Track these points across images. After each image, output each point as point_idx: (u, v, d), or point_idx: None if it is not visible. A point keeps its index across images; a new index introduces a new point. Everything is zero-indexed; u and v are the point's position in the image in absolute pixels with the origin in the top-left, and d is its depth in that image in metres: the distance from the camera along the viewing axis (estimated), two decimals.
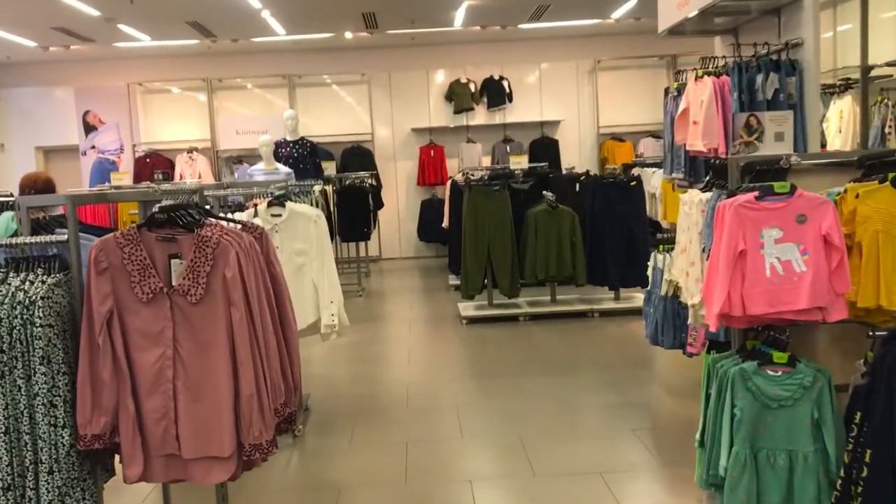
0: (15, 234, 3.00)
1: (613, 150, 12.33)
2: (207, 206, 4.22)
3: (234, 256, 2.68)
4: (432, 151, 12.30)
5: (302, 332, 4.76)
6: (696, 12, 5.10)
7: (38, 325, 2.56)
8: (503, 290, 7.69)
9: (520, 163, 9.48)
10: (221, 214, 3.56)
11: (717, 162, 3.54)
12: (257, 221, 3.61)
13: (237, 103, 12.51)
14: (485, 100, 12.43)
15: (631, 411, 5.07)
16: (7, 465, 2.58)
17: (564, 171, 9.44)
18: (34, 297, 2.57)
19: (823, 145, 6.45)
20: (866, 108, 6.64)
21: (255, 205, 4.45)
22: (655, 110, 12.64)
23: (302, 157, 8.37)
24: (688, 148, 5.03)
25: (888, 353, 2.56)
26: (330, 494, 4.03)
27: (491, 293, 7.94)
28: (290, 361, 3.07)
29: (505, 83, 12.35)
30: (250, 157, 11.32)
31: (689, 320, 3.51)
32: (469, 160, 12.14)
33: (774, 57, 4.39)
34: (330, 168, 9.42)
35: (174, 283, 2.69)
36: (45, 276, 2.67)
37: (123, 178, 9.20)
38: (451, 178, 10.67)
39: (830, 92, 6.91)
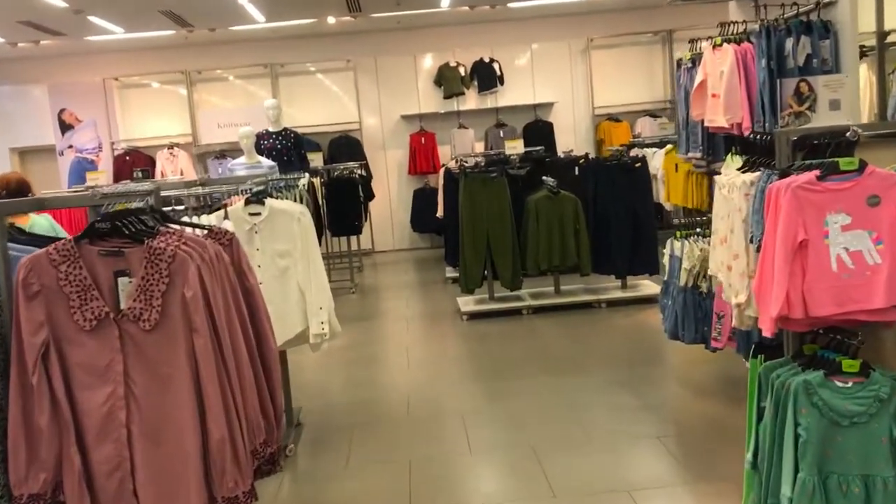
0: None
1: (610, 131, 11.83)
2: (177, 208, 3.73)
3: (194, 271, 2.18)
4: (423, 139, 11.78)
5: (289, 342, 4.29)
6: None
7: None
8: (504, 283, 7.21)
9: (515, 147, 8.98)
10: (185, 219, 3.05)
11: (758, 139, 3.04)
12: (227, 225, 3.12)
13: (218, 96, 11.95)
14: (475, 83, 11.90)
15: (652, 415, 4.61)
16: None
17: (562, 155, 8.96)
18: None
19: None
20: (883, 77, 6.17)
21: (226, 205, 3.94)
22: (652, 88, 12.20)
23: (286, 148, 7.84)
24: (707, 124, 4.54)
25: None
26: None
27: (492, 286, 7.45)
28: (270, 391, 2.58)
29: (496, 65, 11.82)
30: (233, 151, 10.76)
31: (734, 321, 3.03)
32: (462, 146, 11.62)
33: (804, 18, 3.90)
34: (317, 159, 8.90)
35: (122, 306, 2.19)
36: None
37: (100, 178, 8.68)
38: (443, 165, 10.17)
39: None
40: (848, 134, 2.44)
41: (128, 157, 11.46)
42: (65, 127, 11.76)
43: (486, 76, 11.82)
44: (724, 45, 4.35)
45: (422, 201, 11.58)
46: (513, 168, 7.90)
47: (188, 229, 2.57)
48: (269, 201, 4.18)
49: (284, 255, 4.18)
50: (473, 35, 11.83)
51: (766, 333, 2.57)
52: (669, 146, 9.33)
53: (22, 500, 2.15)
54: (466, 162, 9.55)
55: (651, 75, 12.15)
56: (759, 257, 2.56)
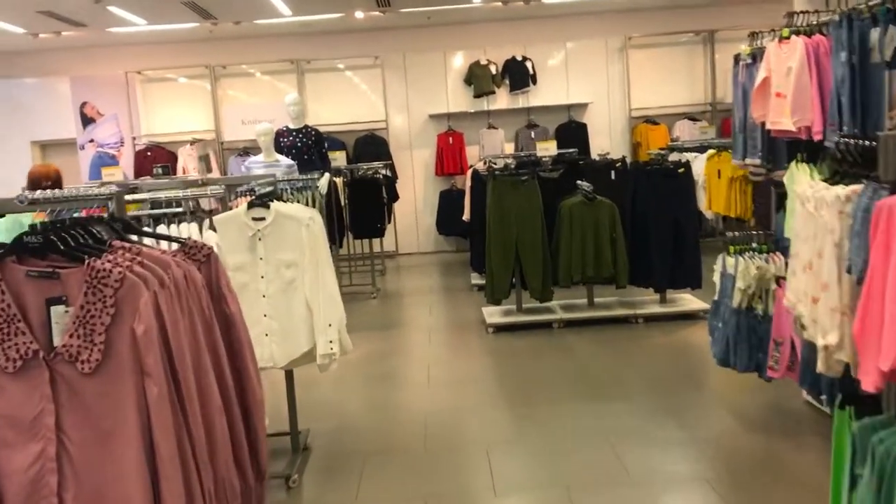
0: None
1: (647, 134, 11.23)
2: (168, 211, 3.25)
3: (148, 299, 1.69)
4: (451, 139, 11.27)
5: (294, 362, 3.80)
6: None
7: None
8: (534, 294, 6.68)
9: (547, 149, 8.46)
10: (162, 230, 2.57)
11: (843, 145, 2.49)
12: (210, 237, 2.61)
13: (242, 91, 11.53)
14: (507, 82, 11.36)
15: (698, 450, 4.06)
16: None
17: (597, 158, 8.41)
18: None
19: None
20: None
21: (214, 211, 3.46)
22: (692, 91, 11.57)
23: (306, 146, 7.37)
24: (769, 127, 3.98)
25: None
26: None
27: (520, 296, 6.92)
28: (251, 443, 2.09)
29: (528, 64, 11.26)
30: (256, 148, 10.31)
31: (819, 366, 2.48)
32: (491, 147, 11.09)
33: (892, 5, 3.33)
34: (340, 158, 8.44)
35: (56, 342, 1.71)
36: None
37: (115, 173, 8.33)
38: (471, 166, 9.65)
39: None
40: None
41: (149, 153, 11.08)
42: (86, 120, 11.41)
43: (518, 75, 11.27)
44: (793, 37, 3.78)
45: (448, 203, 11.08)
46: (544, 171, 7.38)
47: (163, 244, 2.09)
48: (274, 205, 3.70)
49: (290, 265, 3.69)
50: (506, 32, 11.30)
51: (870, 388, 2.03)
52: (711, 151, 8.74)
53: None
54: (495, 163, 9.04)
55: (691, 77, 11.52)
56: (864, 291, 2.02)
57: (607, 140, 11.39)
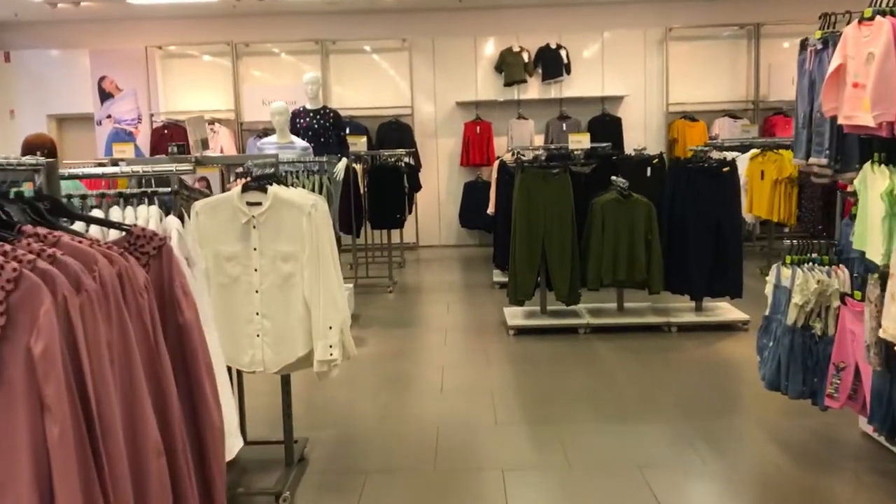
0: None
1: (684, 130, 10.67)
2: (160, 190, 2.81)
3: (49, 309, 1.25)
4: (478, 128, 10.78)
5: (288, 367, 3.36)
6: None
7: None
8: (560, 296, 6.19)
9: (580, 141, 7.94)
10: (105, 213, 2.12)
11: None
12: (170, 224, 2.13)
13: (264, 71, 11.12)
14: (539, 71, 10.85)
15: (742, 486, 3.58)
16: None
17: (632, 153, 7.88)
18: None
19: None
20: None
21: (179, 192, 3.00)
22: (734, 87, 10.97)
23: (324, 128, 6.93)
24: (841, 122, 3.46)
25: None
26: None
27: (545, 297, 6.44)
28: (204, 488, 1.63)
29: (562, 53, 10.74)
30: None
31: None
32: (519, 138, 10.60)
33: None
34: (360, 144, 7.99)
35: None
36: None
37: (126, 150, 7.95)
38: (498, 158, 9.16)
39: None
40: None
41: (166, 131, 10.71)
42: (104, 95, 11.08)
43: (552, 64, 10.75)
44: (877, 18, 3.26)
45: (472, 195, 10.60)
46: (575, 165, 6.88)
47: (94, 230, 1.64)
48: (273, 189, 3.25)
49: (288, 258, 3.24)
50: (540, 19, 10.78)
51: None
52: (755, 151, 8.20)
53: None
54: (524, 155, 8.54)
55: (734, 72, 10.93)
56: None
57: (642, 135, 10.83)
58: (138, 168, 2.61)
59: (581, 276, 6.17)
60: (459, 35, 10.89)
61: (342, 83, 10.99)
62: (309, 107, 7.04)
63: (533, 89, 10.93)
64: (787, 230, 8.64)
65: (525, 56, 10.72)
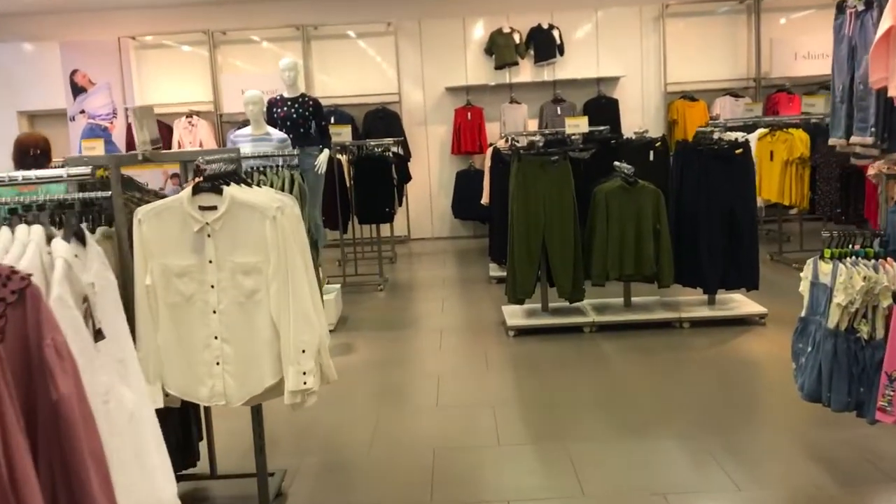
0: None
1: (684, 111, 10.14)
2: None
3: None
4: (469, 114, 10.23)
5: (255, 398, 2.85)
6: None
7: None
8: (562, 293, 5.69)
9: (578, 126, 7.43)
10: None
11: None
12: (57, 251, 1.59)
13: (244, 60, 10.53)
14: (531, 53, 10.28)
15: None
16: None
17: (633, 136, 7.38)
18: None
19: None
20: None
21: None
22: (734, 64, 10.42)
23: (302, 118, 6.37)
24: (893, 94, 2.95)
25: None
26: None
27: (546, 294, 5.94)
28: None
29: (555, 33, 10.18)
30: None
31: None
32: (513, 124, 10.06)
33: None
34: (345, 133, 7.45)
35: None
36: None
37: (97, 147, 7.42)
38: (491, 145, 8.64)
39: None
40: None
41: None
42: (77, 90, 10.47)
43: (544, 45, 10.19)
44: None
45: (465, 185, 10.05)
46: (573, 150, 6.38)
47: None
48: (229, 190, 2.72)
49: (251, 271, 2.73)
50: None
51: None
52: (762, 130, 7.69)
53: None
54: (518, 141, 8.02)
55: (734, 49, 10.39)
56: None
57: (640, 117, 10.32)
58: (17, 175, 2.07)
59: (585, 270, 5.68)
60: (447, 17, 10.31)
61: (325, 70, 10.43)
62: (286, 95, 6.49)
63: (525, 72, 10.38)
64: (793, 212, 8.15)
65: (516, 37, 10.17)
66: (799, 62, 10.01)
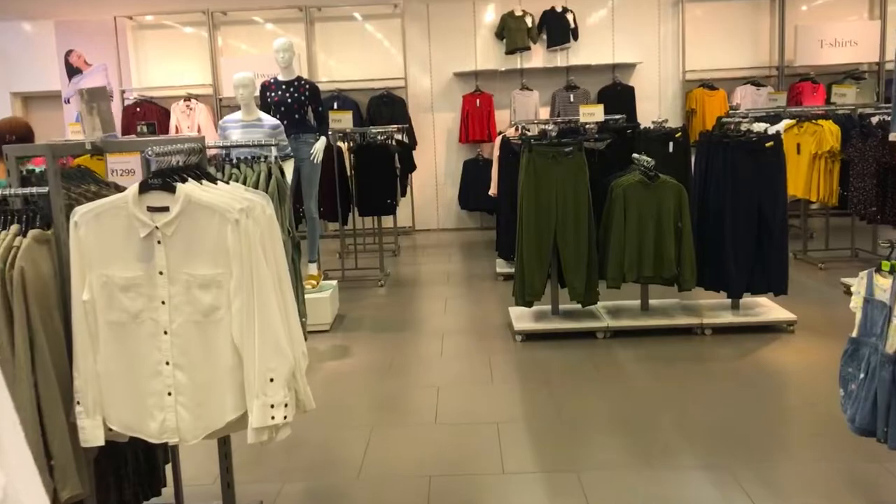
0: None
1: (703, 100, 9.61)
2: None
3: None
4: (478, 101, 9.73)
5: (214, 433, 2.39)
6: None
7: None
8: (575, 296, 5.22)
9: (593, 114, 6.93)
10: None
11: None
12: None
13: (244, 41, 10.05)
14: (544, 37, 9.77)
15: None
16: None
17: (652, 126, 6.88)
18: None
19: None
20: None
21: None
22: (756, 52, 9.87)
23: (298, 103, 5.89)
24: None
25: None
26: None
27: (556, 296, 5.48)
28: None
29: (569, 17, 9.66)
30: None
31: None
32: (523, 111, 9.56)
33: None
34: (345, 120, 6.97)
35: None
36: None
37: (80, 130, 6.96)
38: (500, 133, 8.15)
39: None
40: None
41: (138, 109, 9.70)
42: (72, 71, 10.02)
43: (558, 29, 9.67)
44: None
45: (473, 175, 9.58)
46: (588, 140, 5.88)
47: None
48: (184, 188, 2.26)
49: (209, 284, 2.26)
50: None
51: None
52: (789, 122, 7.17)
53: None
54: (528, 130, 7.53)
55: (756, 36, 9.84)
56: None
57: (656, 106, 9.81)
58: None
59: (599, 271, 5.20)
60: None
61: (329, 53, 9.94)
62: (281, 78, 6.00)
63: (537, 57, 9.86)
64: (814, 206, 7.64)
65: (528, 21, 9.64)
66: (825, 50, 9.45)
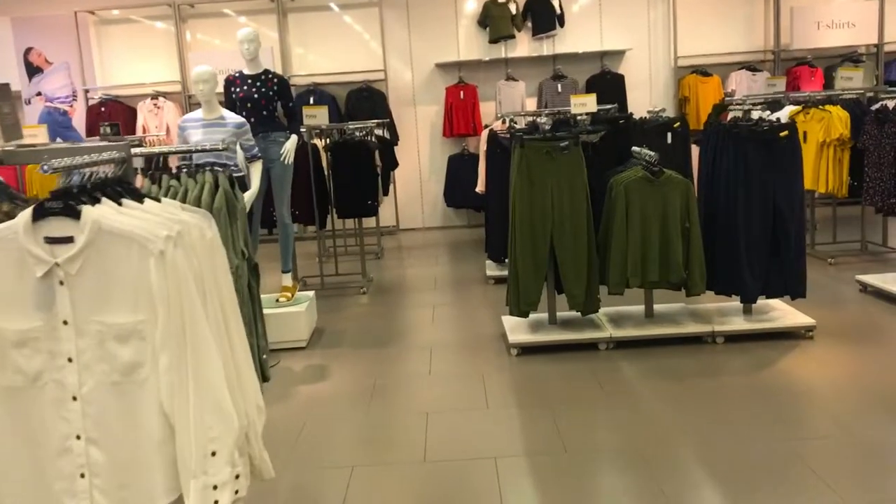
0: None
1: (696, 87, 9.14)
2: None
3: None
4: (462, 93, 9.21)
5: None
6: None
7: None
8: (574, 304, 4.73)
9: (585, 104, 6.45)
10: None
11: None
12: None
13: (213, 35, 9.46)
14: (529, 25, 9.26)
15: None
16: None
17: (647, 116, 6.41)
18: None
19: None
20: None
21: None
22: (750, 35, 9.39)
23: (265, 98, 5.34)
24: None
25: None
26: None
27: (553, 304, 4.99)
28: None
29: (555, 3, 9.14)
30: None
31: None
32: (509, 103, 9.06)
33: None
34: (320, 116, 6.44)
35: None
36: None
37: (38, 134, 6.45)
38: (486, 126, 7.66)
39: None
40: None
41: (103, 109, 9.12)
42: (32, 70, 9.42)
43: (543, 15, 9.16)
44: None
45: (458, 170, 9.07)
46: (582, 133, 5.39)
47: None
48: (93, 212, 1.74)
49: (128, 335, 1.75)
50: None
51: None
52: (793, 108, 6.70)
53: None
54: (516, 122, 7.04)
55: (750, 19, 9.38)
56: None
57: (647, 93, 9.35)
58: None
59: (601, 277, 4.72)
60: None
61: (304, 46, 9.38)
62: (246, 72, 5.45)
63: (522, 46, 9.35)
64: (816, 195, 7.18)
65: (512, 7, 9.13)
66: (822, 32, 9.00)
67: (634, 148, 4.87)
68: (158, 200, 2.04)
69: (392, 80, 9.38)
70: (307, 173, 6.49)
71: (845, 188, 6.28)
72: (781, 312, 4.93)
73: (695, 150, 6.00)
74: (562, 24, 9.20)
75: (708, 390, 4.08)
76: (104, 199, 1.83)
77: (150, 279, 1.73)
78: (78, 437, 1.77)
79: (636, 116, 6.51)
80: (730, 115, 5.12)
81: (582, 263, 4.64)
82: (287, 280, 5.53)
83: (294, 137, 5.39)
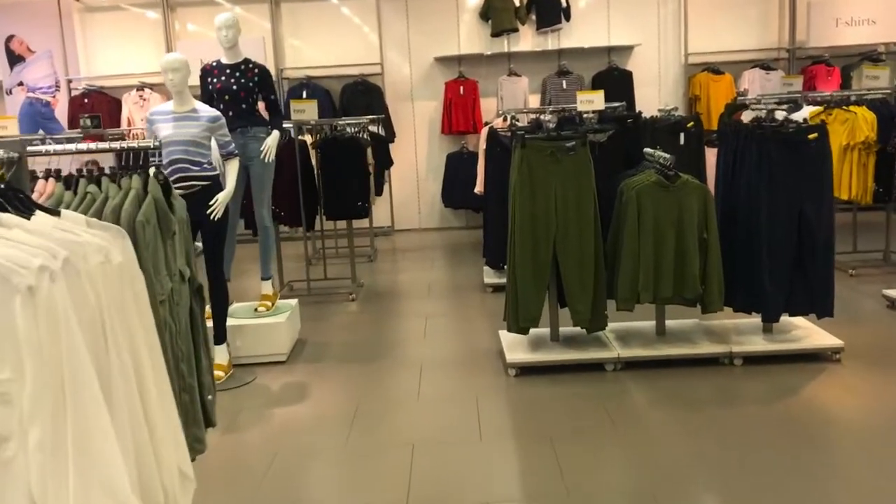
0: None
1: (707, 85, 8.66)
2: None
3: None
4: (462, 88, 8.73)
5: None
6: None
7: None
8: (579, 321, 4.26)
9: (592, 101, 5.99)
10: None
11: None
12: None
13: (203, 24, 8.98)
14: (533, 18, 8.78)
15: None
16: None
17: (658, 114, 5.94)
18: None
19: None
20: None
21: None
22: (764, 32, 8.90)
23: (245, 90, 4.87)
24: None
25: None
26: None
27: (556, 319, 4.53)
28: None
29: None
30: None
31: None
32: (511, 99, 8.58)
33: None
34: (309, 111, 5.98)
35: None
36: None
37: (8, 125, 6.05)
38: (487, 123, 7.17)
39: None
40: None
41: (86, 100, 8.65)
42: (14, 59, 8.97)
43: (548, 9, 8.68)
44: None
45: (457, 169, 8.58)
46: (588, 132, 4.92)
47: None
48: None
49: None
50: None
51: None
52: (814, 108, 6.22)
53: None
54: (517, 120, 6.57)
55: (764, 15, 8.90)
56: None
57: (656, 91, 8.89)
58: None
59: (609, 291, 4.25)
60: None
61: (298, 37, 8.91)
62: (225, 61, 4.98)
63: (526, 40, 8.86)
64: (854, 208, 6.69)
65: (516, 0, 8.65)
66: (840, 29, 8.52)
67: (647, 150, 4.40)
68: (57, 213, 1.57)
69: (389, 73, 8.91)
70: (294, 171, 6.02)
71: (870, 195, 5.82)
72: (805, 332, 4.46)
73: (708, 153, 5.56)
74: (567, 18, 8.72)
75: (728, 422, 3.61)
76: None
77: (16, 324, 1.26)
78: None
79: (645, 115, 6.04)
80: (751, 115, 4.65)
81: (588, 276, 4.17)
82: (267, 287, 5.06)
83: (276, 133, 4.92)
